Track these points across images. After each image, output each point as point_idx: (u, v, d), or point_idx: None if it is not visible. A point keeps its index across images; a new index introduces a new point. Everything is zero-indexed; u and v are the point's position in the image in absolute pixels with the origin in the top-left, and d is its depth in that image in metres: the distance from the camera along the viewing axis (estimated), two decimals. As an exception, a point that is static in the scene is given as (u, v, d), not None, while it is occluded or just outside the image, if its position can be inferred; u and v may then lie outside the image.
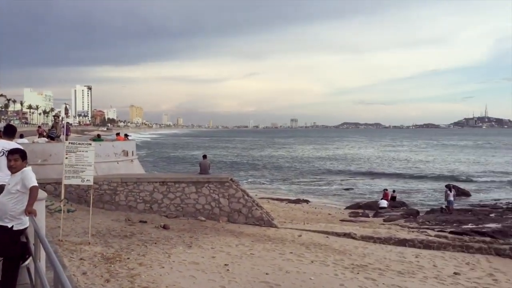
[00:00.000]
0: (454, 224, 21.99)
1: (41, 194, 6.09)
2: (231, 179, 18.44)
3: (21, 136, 21.29)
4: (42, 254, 4.57)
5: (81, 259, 9.29)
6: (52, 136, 21.67)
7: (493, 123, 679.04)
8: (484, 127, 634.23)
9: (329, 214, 25.82)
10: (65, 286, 2.65)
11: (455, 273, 12.70)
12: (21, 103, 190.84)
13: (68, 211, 14.96)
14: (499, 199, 34.01)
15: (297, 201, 31.29)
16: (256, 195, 28.31)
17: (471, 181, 46.95)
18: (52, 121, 26.75)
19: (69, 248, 10.05)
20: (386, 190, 32.06)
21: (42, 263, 4.98)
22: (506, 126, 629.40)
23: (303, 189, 41.47)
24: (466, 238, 18.11)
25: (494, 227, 20.71)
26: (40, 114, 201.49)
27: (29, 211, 5.23)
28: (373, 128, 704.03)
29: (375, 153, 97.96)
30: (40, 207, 5.92)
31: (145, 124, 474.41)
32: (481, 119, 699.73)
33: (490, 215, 25.39)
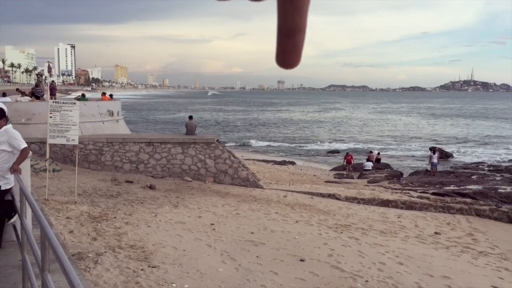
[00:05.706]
0: (437, 186, 22.40)
1: (26, 152, 6.05)
2: (217, 140, 18.45)
3: (4, 95, 20.97)
4: (28, 212, 4.58)
5: (67, 218, 9.32)
6: (38, 95, 21.36)
7: (478, 86, 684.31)
8: (469, 90, 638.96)
9: (314, 175, 26.07)
10: (52, 241, 2.66)
11: (435, 233, 13.03)
12: (3, 61, 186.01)
13: (54, 170, 14.92)
14: (481, 162, 34.62)
15: (283, 163, 31.50)
16: (242, 156, 28.40)
17: (456, 143, 47.56)
18: (35, 79, 26.29)
19: (55, 207, 10.07)
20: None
21: (28, 221, 4.99)
22: (491, 90, 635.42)
23: (290, 151, 41.70)
24: (448, 199, 18.53)
25: (475, 188, 21.15)
26: (22, 72, 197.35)
27: (15, 169, 5.21)
28: (360, 90, 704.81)
29: (361, 115, 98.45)
30: (25, 165, 5.90)
31: (131, 85, 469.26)
32: (467, 83, 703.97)
33: (472, 177, 25.86)
